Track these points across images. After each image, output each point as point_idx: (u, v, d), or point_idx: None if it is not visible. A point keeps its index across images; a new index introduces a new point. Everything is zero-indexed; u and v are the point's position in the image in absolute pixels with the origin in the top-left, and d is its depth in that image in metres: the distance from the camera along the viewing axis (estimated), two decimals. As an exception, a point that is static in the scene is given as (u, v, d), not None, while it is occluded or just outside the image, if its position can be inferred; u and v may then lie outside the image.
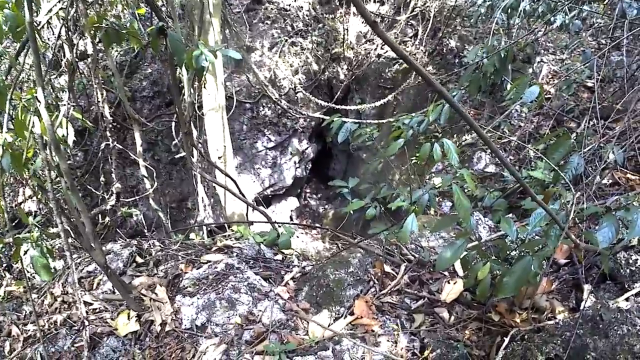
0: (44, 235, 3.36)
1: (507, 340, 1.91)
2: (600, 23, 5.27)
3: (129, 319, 2.73)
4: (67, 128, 3.27)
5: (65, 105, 3.31)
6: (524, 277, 1.92)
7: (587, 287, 2.33)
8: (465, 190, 2.36)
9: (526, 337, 1.89)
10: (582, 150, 2.49)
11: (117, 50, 8.29)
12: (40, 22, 2.74)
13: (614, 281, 2.42)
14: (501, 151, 5.34)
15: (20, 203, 6.24)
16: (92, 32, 3.20)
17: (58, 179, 2.47)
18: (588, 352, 1.63)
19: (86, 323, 2.47)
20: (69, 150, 7.41)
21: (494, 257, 2.30)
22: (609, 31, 4.69)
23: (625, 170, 3.68)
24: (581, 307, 2.25)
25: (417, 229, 2.19)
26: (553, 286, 2.60)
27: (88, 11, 3.52)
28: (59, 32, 3.39)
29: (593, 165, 3.43)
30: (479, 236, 2.27)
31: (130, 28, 2.79)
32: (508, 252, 2.30)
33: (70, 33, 3.47)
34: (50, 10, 2.71)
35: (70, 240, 4.44)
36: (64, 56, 3.87)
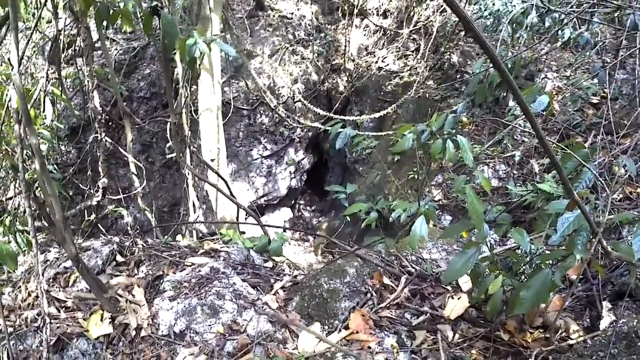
0: (18, 223, 3.15)
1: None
2: (606, 39, 5.16)
3: (102, 320, 2.50)
4: (44, 103, 3.03)
5: (43, 77, 3.07)
6: (543, 291, 1.73)
7: (605, 305, 2.14)
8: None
9: (550, 358, 1.69)
10: (595, 161, 2.31)
11: (116, 49, 8.14)
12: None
13: (632, 298, 2.23)
14: (504, 166, 5.19)
15: (10, 198, 6.02)
16: (82, 8, 3.01)
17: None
18: (625, 373, 1.44)
19: (47, 320, 2.22)
20: (62, 147, 7.22)
21: (505, 271, 2.11)
22: (617, 45, 4.58)
23: (637, 184, 3.52)
24: (601, 326, 2.06)
25: (427, 233, 1.99)
26: (566, 304, 2.40)
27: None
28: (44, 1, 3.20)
29: (603, 178, 3.26)
30: (490, 246, 2.07)
31: (124, 8, 2.60)
32: (521, 266, 2.10)
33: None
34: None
35: (45, 234, 4.21)
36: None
